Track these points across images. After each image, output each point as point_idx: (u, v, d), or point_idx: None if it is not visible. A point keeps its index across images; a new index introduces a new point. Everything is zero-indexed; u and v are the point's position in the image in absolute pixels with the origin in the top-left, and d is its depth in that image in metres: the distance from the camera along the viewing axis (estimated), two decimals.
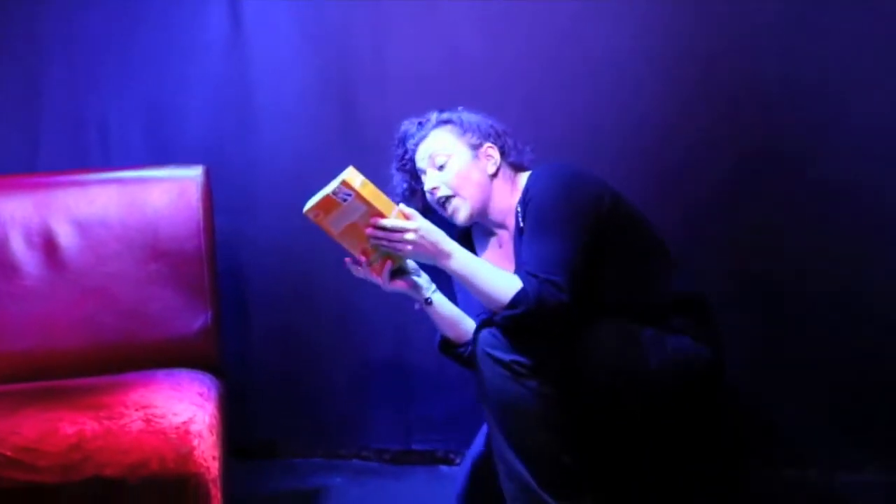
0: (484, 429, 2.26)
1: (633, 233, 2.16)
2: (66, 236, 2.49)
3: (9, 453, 1.82)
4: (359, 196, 2.02)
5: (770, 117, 2.58)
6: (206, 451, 1.91)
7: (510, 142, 2.32)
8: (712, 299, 2.23)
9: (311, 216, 2.07)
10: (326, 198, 2.03)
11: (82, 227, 2.50)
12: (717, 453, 2.41)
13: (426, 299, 2.21)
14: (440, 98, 2.73)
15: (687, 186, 2.63)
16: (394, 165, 2.39)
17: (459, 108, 2.35)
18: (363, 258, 2.11)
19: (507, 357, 1.98)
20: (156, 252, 2.49)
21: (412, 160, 2.34)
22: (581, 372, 2.01)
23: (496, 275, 2.05)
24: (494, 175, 2.27)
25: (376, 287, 2.17)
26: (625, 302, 2.10)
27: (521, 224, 2.12)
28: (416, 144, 2.31)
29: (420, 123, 2.33)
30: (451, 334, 2.25)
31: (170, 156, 2.79)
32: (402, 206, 2.08)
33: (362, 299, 2.75)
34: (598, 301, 2.06)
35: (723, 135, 2.60)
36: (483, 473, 2.22)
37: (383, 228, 2.04)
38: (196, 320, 2.47)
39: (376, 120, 2.78)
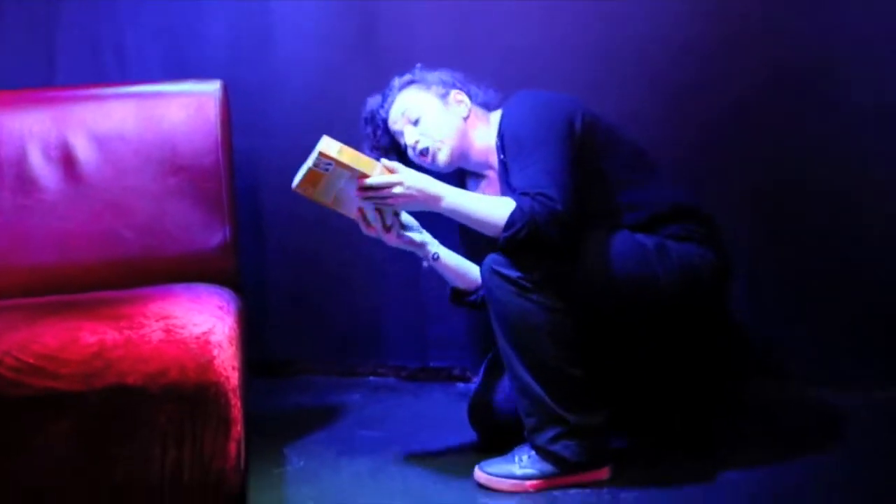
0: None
1: (616, 147, 2.17)
2: (83, 150, 2.49)
3: (31, 360, 1.83)
4: (338, 163, 2.06)
5: (783, 30, 2.55)
6: (226, 361, 1.91)
7: (473, 87, 2.37)
8: (723, 218, 2.25)
9: (301, 191, 2.11)
10: (309, 172, 2.07)
11: (100, 142, 2.49)
12: (725, 363, 2.43)
13: (433, 255, 2.27)
14: (460, 14, 2.71)
15: (699, 104, 2.61)
16: (366, 145, 2.37)
17: (417, 65, 2.39)
18: (359, 216, 2.15)
19: (514, 274, 2.00)
20: (174, 167, 2.48)
21: (385, 133, 2.36)
22: (588, 285, 2.02)
23: (490, 202, 2.07)
24: (467, 117, 2.30)
25: None
26: (618, 215, 2.12)
27: (503, 157, 2.13)
28: (387, 111, 2.35)
29: (384, 94, 2.37)
30: (461, 284, 2.31)
31: (186, 74, 2.75)
32: (384, 160, 2.12)
33: None
34: (591, 216, 2.06)
35: (735, 50, 2.58)
36: (493, 390, 2.28)
37: (370, 188, 2.07)
38: (214, 235, 2.48)
39: (397, 37, 2.76)
